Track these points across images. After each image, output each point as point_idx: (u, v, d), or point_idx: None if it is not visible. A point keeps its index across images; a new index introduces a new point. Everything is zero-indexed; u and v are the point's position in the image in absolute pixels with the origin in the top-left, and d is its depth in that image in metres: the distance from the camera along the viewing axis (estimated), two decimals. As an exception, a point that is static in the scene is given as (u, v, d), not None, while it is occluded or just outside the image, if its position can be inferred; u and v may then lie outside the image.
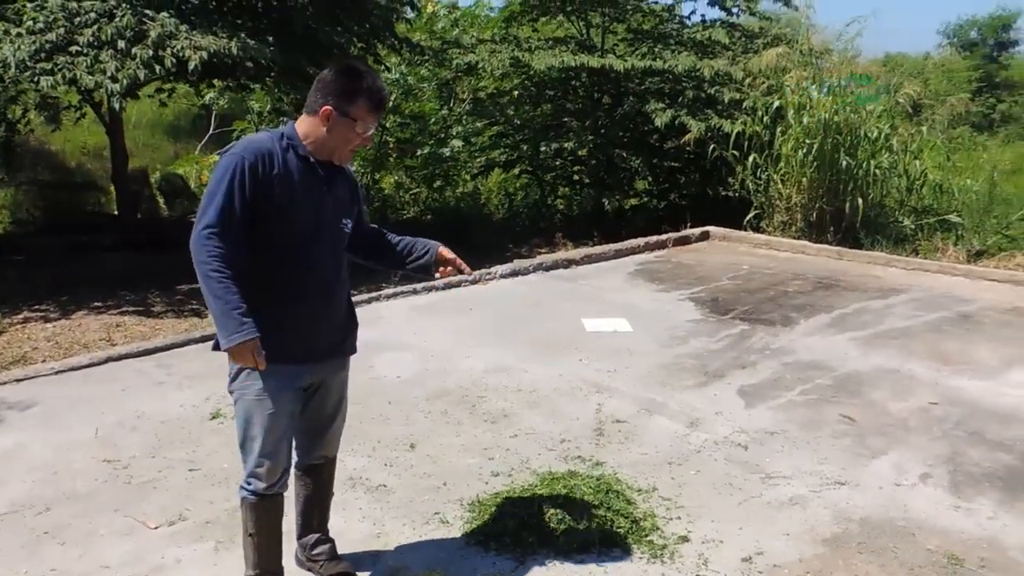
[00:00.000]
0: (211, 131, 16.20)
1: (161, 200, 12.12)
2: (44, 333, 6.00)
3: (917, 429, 4.01)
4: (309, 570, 2.80)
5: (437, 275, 2.75)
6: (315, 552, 2.79)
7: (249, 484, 2.49)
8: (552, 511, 3.07)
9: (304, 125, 2.42)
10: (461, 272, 2.74)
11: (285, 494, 2.59)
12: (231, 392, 2.49)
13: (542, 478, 3.39)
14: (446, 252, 2.71)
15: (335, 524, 3.00)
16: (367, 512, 3.21)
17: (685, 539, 3.01)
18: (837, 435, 3.93)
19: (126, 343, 5.51)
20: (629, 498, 3.24)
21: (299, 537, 2.82)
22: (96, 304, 6.78)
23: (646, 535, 3.01)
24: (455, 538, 3.02)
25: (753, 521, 3.14)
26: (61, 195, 12.20)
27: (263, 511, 2.53)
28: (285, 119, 12.43)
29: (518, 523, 3.02)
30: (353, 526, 3.11)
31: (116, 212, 10.73)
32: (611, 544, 2.94)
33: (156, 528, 3.08)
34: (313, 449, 2.71)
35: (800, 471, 3.55)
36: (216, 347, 2.36)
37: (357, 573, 2.80)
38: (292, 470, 2.63)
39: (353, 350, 2.73)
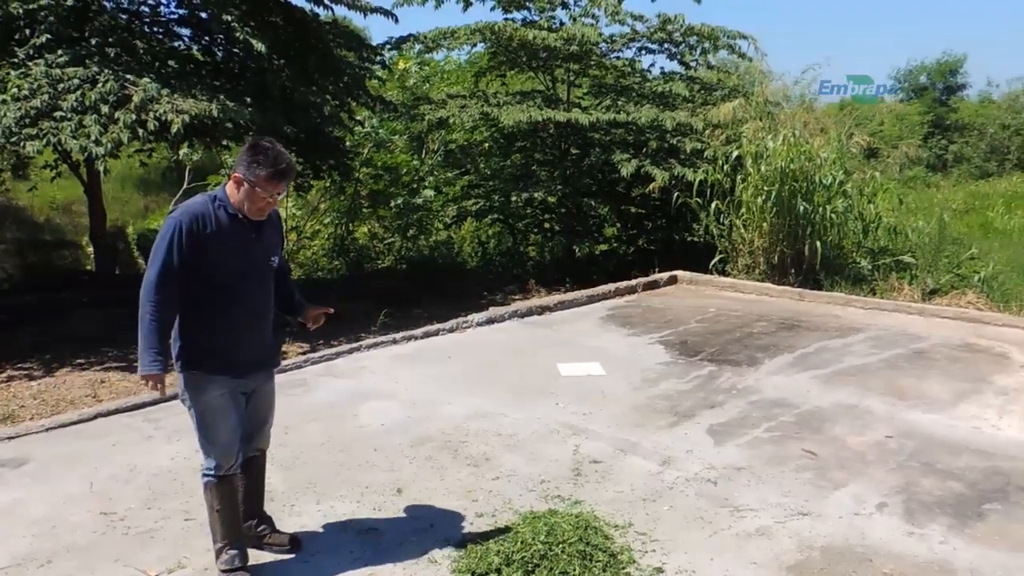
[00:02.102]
0: (185, 185, 16.34)
1: (138, 256, 12.20)
2: (29, 391, 6.08)
3: (874, 462, 4.26)
4: (255, 546, 3.32)
5: (309, 325, 3.46)
6: (259, 529, 3.38)
7: (210, 470, 3.10)
8: (534, 547, 3.25)
9: (228, 187, 3.01)
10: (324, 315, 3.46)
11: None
12: (183, 402, 3.10)
13: (524, 517, 3.57)
14: (312, 311, 3.44)
15: (328, 565, 3.20)
16: (359, 555, 3.37)
17: (660, 570, 3.21)
18: (800, 469, 4.18)
19: (112, 399, 5.61)
20: (607, 533, 3.44)
21: (243, 517, 3.31)
22: (79, 361, 6.87)
23: (623, 568, 3.21)
24: (444, 576, 3.19)
25: (723, 552, 3.36)
26: (34, 252, 12.26)
27: (224, 489, 3.13)
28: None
29: (503, 560, 3.20)
30: (345, 567, 3.26)
31: (93, 268, 10.80)
32: (591, 577, 3.13)
33: (156, 576, 3.22)
34: (251, 443, 3.30)
35: (766, 504, 3.78)
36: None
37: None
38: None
39: (277, 363, 3.43)
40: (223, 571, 3.10)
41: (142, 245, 12.44)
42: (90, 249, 12.09)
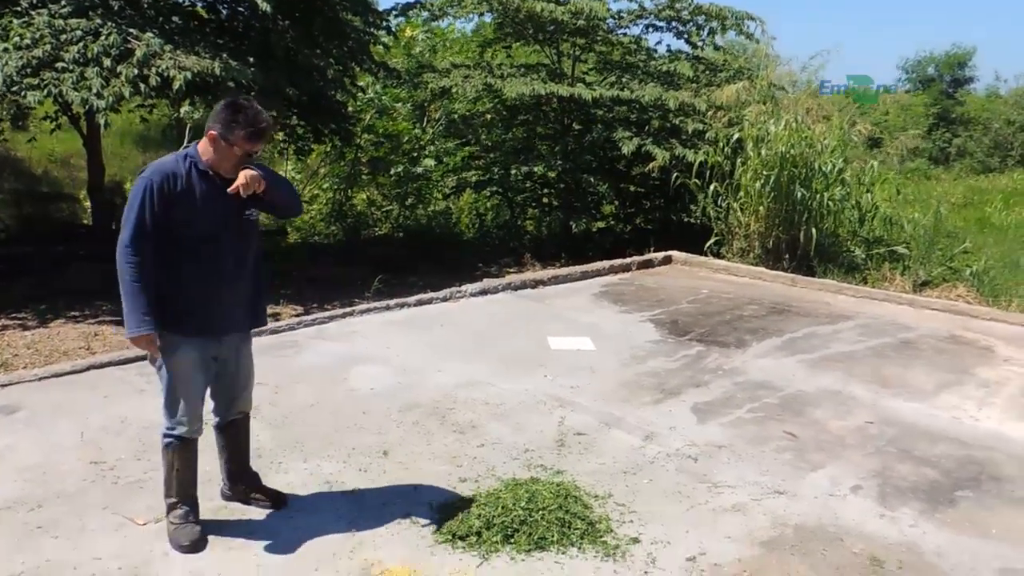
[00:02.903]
0: (185, 143, 16.28)
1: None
2: (23, 341, 6.13)
3: (853, 446, 4.34)
4: (240, 500, 3.43)
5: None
6: (246, 481, 3.46)
7: (174, 431, 3.12)
8: (515, 513, 3.33)
9: (201, 144, 3.01)
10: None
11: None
12: (152, 363, 3.09)
13: (506, 484, 3.65)
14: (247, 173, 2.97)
15: (312, 522, 3.28)
16: (343, 513, 3.44)
17: (636, 540, 3.29)
18: (780, 450, 4.25)
19: (106, 351, 5.66)
20: (586, 503, 3.52)
21: (229, 478, 3.43)
22: (73, 314, 6.92)
23: (600, 536, 3.29)
24: (425, 537, 3.26)
25: (699, 525, 3.44)
26: (31, 204, 12.24)
27: (186, 451, 3.17)
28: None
29: (483, 523, 3.28)
30: (329, 525, 3.33)
31: (90, 222, 10.80)
32: (568, 543, 3.21)
33: (144, 524, 3.28)
34: (232, 407, 3.33)
35: (744, 481, 3.86)
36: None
37: (335, 568, 3.04)
38: (215, 429, 3.36)
39: (261, 324, 3.39)
40: (176, 524, 3.14)
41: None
42: (87, 203, 12.09)
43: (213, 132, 2.93)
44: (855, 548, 3.31)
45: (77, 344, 6.09)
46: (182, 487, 3.17)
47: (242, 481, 3.45)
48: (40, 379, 4.85)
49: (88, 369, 5.02)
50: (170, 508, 3.17)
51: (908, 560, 3.24)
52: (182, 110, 13.93)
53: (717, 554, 3.22)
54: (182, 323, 3.00)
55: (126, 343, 6.12)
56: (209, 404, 3.30)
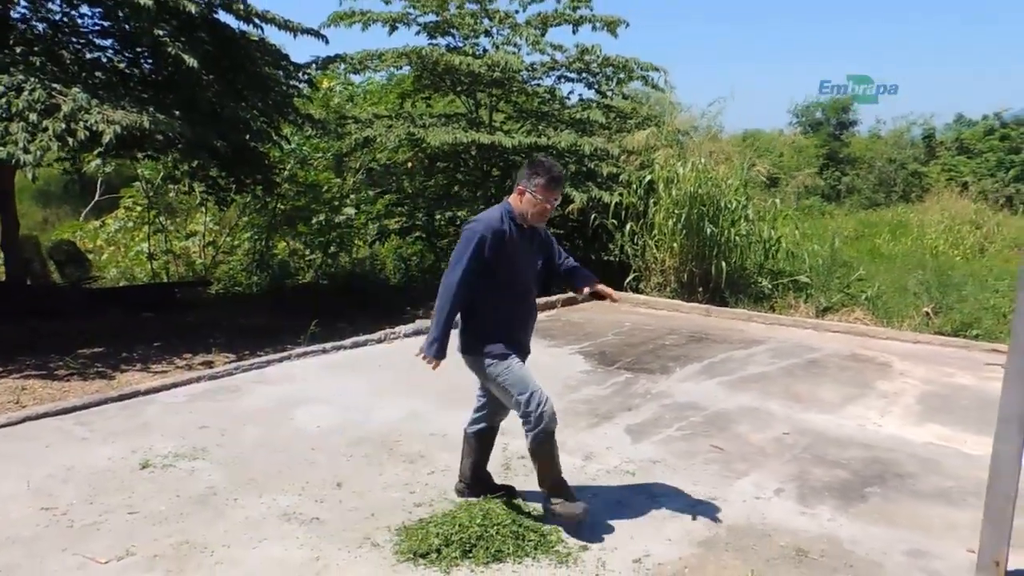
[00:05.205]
0: (96, 198, 15.96)
1: (53, 267, 11.86)
2: (-54, 399, 5.96)
3: (773, 454, 4.73)
4: (473, 494, 3.94)
5: (587, 291, 3.96)
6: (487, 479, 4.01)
7: (541, 426, 3.56)
8: (472, 529, 3.53)
9: (512, 200, 3.65)
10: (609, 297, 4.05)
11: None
12: (495, 378, 3.62)
13: (460, 504, 3.85)
14: (602, 288, 3.97)
15: (276, 551, 3.39)
16: (304, 541, 3.56)
17: (586, 548, 3.53)
18: (708, 462, 4.60)
19: (37, 404, 5.57)
20: (537, 518, 3.75)
21: (475, 479, 3.97)
22: (-4, 369, 6.75)
23: (553, 546, 3.52)
24: (387, 557, 3.42)
25: (642, 531, 3.72)
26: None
27: (554, 438, 3.64)
28: (174, 185, 12.46)
29: (442, 541, 3.46)
30: (292, 554, 3.45)
31: (2, 278, 10.46)
32: (523, 554, 3.43)
33: (107, 563, 3.32)
34: (498, 417, 3.98)
35: (679, 491, 4.17)
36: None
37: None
38: (474, 435, 3.97)
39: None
40: (562, 501, 3.66)
41: (56, 258, 12.09)
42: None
43: (520, 187, 3.58)
44: (782, 542, 3.65)
45: (5, 399, 5.96)
46: (559, 469, 3.71)
47: (484, 479, 3.99)
48: (-26, 434, 4.76)
49: (24, 421, 4.96)
50: (552, 492, 3.68)
51: (829, 549, 3.59)
52: (93, 164, 13.67)
53: (660, 555, 3.50)
54: (503, 340, 3.61)
55: (58, 396, 6.08)
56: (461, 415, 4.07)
